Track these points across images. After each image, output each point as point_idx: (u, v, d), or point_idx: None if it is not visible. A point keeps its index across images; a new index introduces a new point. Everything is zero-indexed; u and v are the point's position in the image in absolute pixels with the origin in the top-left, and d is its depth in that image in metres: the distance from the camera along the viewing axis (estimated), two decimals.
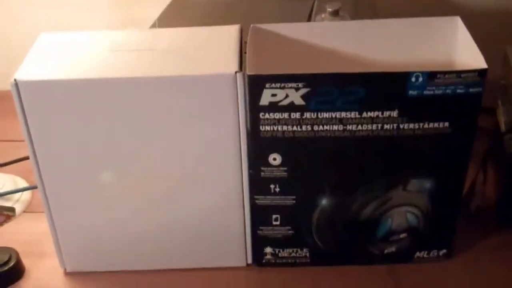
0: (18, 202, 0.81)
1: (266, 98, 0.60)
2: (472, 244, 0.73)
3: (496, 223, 0.75)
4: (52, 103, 0.60)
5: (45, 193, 0.66)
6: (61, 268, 0.72)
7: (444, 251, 0.70)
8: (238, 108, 0.61)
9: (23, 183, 0.85)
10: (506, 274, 0.69)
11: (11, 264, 0.70)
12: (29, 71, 0.61)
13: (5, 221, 0.68)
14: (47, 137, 0.62)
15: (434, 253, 0.70)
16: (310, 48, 0.65)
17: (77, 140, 0.62)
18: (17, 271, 0.71)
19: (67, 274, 0.72)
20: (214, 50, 0.63)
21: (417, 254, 0.70)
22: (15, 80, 0.59)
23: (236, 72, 0.59)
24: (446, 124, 0.61)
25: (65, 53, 0.64)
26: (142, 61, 0.62)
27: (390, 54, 0.66)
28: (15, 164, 0.88)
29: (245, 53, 0.62)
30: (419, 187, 0.65)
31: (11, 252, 0.71)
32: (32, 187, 0.79)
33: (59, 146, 0.62)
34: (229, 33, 0.66)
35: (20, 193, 0.82)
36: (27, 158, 0.87)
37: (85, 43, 0.65)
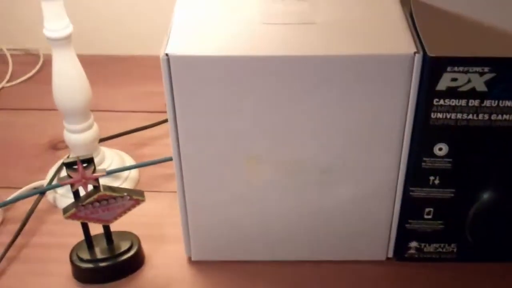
0: (126, 180, 0.76)
1: (444, 82, 0.53)
2: None
3: None
4: (202, 79, 0.54)
5: (181, 171, 0.60)
6: (185, 255, 0.67)
7: None
8: (409, 92, 0.54)
9: (129, 160, 0.79)
10: None
11: (133, 251, 0.65)
12: (179, 44, 0.54)
13: (133, 206, 0.63)
14: (192, 113, 0.56)
15: None
16: (487, 27, 0.58)
17: (223, 119, 0.56)
18: (138, 259, 0.67)
19: (192, 262, 0.67)
20: (380, 25, 0.56)
21: None
22: (166, 54, 0.53)
23: (415, 53, 0.52)
24: None
25: (213, 24, 0.57)
26: (299, 35, 0.55)
27: None
28: (115, 139, 0.83)
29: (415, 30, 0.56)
30: None
31: (132, 238, 0.66)
32: (165, 159, 0.73)
33: (203, 124, 0.57)
34: (390, 6, 0.59)
35: (128, 171, 0.76)
36: (133, 131, 0.84)
37: (231, 13, 0.59)
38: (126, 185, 0.75)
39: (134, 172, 0.77)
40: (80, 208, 0.61)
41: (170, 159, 0.60)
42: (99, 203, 0.61)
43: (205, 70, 0.54)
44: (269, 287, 0.64)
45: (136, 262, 0.66)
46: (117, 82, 0.96)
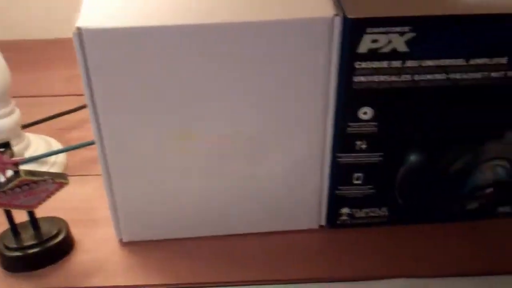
0: (54, 165, 0.73)
1: (365, 44, 0.53)
2: None
3: None
4: (119, 52, 0.52)
5: (104, 153, 0.58)
6: (116, 238, 0.66)
7: None
8: (331, 56, 0.54)
9: (56, 144, 0.76)
10: None
11: (61, 237, 0.63)
12: (92, 17, 0.52)
13: (56, 190, 0.60)
14: (110, 90, 0.54)
15: None
16: None
17: (144, 94, 0.55)
18: (67, 244, 0.64)
19: (123, 244, 0.65)
20: None
21: (500, 209, 0.67)
22: (78, 28, 0.51)
23: (334, 16, 0.52)
24: None
25: None
26: (216, 3, 0.54)
27: None
28: (40, 124, 0.80)
29: None
30: None
31: (60, 223, 0.64)
32: (89, 143, 0.70)
33: (124, 100, 0.55)
34: None
35: (55, 156, 0.74)
36: (57, 116, 0.81)
37: None
38: (54, 170, 0.73)
39: (61, 157, 0.75)
40: (0, 195, 0.58)
41: (92, 143, 0.58)
42: (20, 188, 0.59)
43: (120, 43, 0.52)
44: (205, 263, 0.63)
45: (65, 247, 0.64)
46: (45, 67, 0.94)
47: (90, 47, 0.51)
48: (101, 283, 0.62)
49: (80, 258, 0.64)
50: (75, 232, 0.66)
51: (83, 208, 0.69)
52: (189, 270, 0.63)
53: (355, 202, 0.64)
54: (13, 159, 0.57)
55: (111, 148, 0.58)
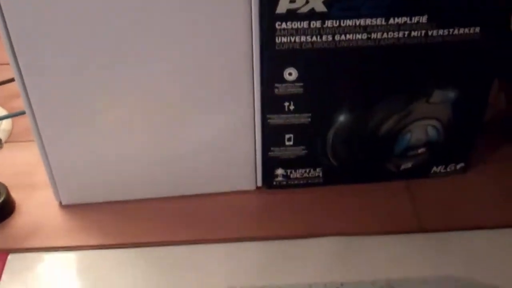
0: None
1: (283, 5, 0.53)
2: (488, 156, 0.71)
3: (510, 133, 0.73)
4: (37, 6, 0.52)
5: (34, 118, 0.59)
6: (55, 201, 0.67)
7: (462, 164, 0.68)
8: (251, 18, 0.54)
9: (2, 112, 0.77)
10: None
11: (0, 200, 0.64)
12: None
13: None
14: (33, 52, 0.54)
15: (451, 167, 0.68)
16: None
17: (67, 56, 0.55)
18: (7, 208, 0.65)
19: (63, 207, 0.67)
20: None
21: (434, 168, 0.68)
22: None
23: None
24: (477, 29, 0.56)
25: None
26: None
27: None
28: None
29: None
30: (442, 99, 0.61)
31: (0, 188, 0.65)
32: (19, 113, 0.71)
33: (48, 63, 0.55)
34: None
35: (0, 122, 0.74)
36: (2, 83, 0.81)
37: None
38: None
39: (6, 124, 0.75)
40: None
41: (23, 112, 0.59)
42: None
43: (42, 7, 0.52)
44: (144, 224, 0.65)
45: (5, 211, 0.65)
46: None
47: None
48: (40, 245, 0.63)
49: (20, 221, 0.65)
50: (16, 196, 0.67)
51: (24, 173, 0.70)
52: (129, 231, 0.64)
53: (289, 163, 0.65)
54: None
55: (40, 111, 0.58)
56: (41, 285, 0.59)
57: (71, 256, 0.62)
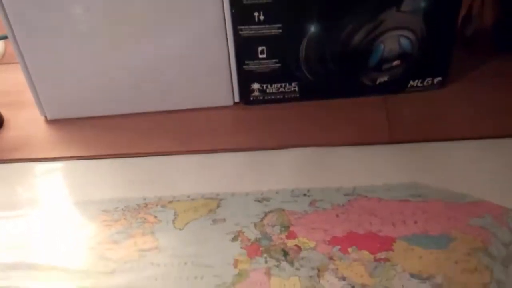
0: None
1: None
2: (467, 71, 0.70)
3: (492, 49, 0.72)
4: None
5: (15, 39, 0.61)
6: (41, 116, 0.70)
7: (439, 78, 0.67)
8: None
9: None
10: (500, 100, 0.67)
11: None
12: None
13: None
14: None
15: (428, 81, 0.68)
16: None
17: None
18: None
19: (48, 121, 0.69)
20: None
21: (411, 82, 0.68)
22: None
23: None
24: None
25: None
26: None
27: None
28: None
29: None
30: (413, 7, 0.61)
31: None
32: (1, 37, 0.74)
33: None
34: None
35: None
36: None
37: None
38: None
39: None
40: None
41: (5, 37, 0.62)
42: None
43: None
44: (120, 137, 0.67)
45: None
46: None
47: None
48: (26, 156, 0.66)
49: (8, 134, 0.68)
50: (5, 113, 0.70)
51: (14, 92, 0.73)
52: (109, 143, 0.66)
53: (264, 77, 0.66)
54: None
55: (21, 35, 0.61)
56: (29, 191, 0.62)
57: (55, 166, 0.65)
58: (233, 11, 0.60)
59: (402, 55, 0.65)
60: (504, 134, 0.63)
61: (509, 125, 0.63)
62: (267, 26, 0.61)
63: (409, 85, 0.68)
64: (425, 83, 0.68)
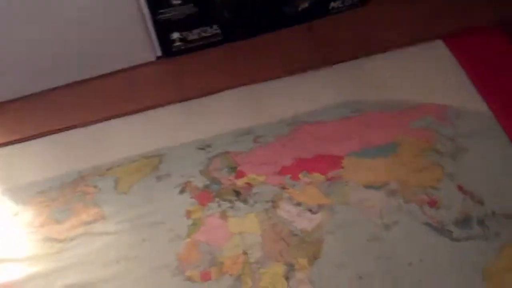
0: None
1: None
2: None
3: None
4: None
5: None
6: None
7: None
8: None
9: None
10: (422, 14, 0.66)
11: None
12: None
13: None
14: None
15: (348, 0, 0.67)
16: None
17: None
18: None
19: None
20: None
21: (332, 4, 0.66)
22: None
23: None
24: None
25: None
26: None
27: None
28: None
29: None
30: None
31: None
32: None
33: None
34: None
35: None
36: None
37: None
38: None
39: None
40: None
41: None
42: None
43: None
44: (46, 115, 0.63)
45: None
46: None
47: None
48: None
49: None
50: None
51: None
52: (35, 123, 0.62)
53: (183, 24, 0.63)
54: None
55: None
56: None
57: None
58: None
59: None
60: (422, 39, 0.62)
61: (425, 31, 0.63)
62: None
63: (330, 7, 0.67)
64: (345, 2, 0.67)
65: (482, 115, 0.56)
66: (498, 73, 0.59)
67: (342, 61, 0.63)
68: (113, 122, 0.61)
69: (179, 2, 0.62)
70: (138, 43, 0.64)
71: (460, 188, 0.51)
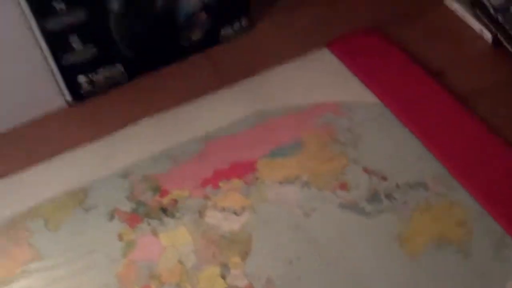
0: None
1: None
2: (274, 8, 0.76)
3: None
4: None
5: None
6: None
7: (245, 20, 0.73)
8: None
9: None
10: (304, 28, 0.74)
11: None
12: None
13: None
14: None
15: (237, 25, 0.73)
16: None
17: None
18: None
19: None
20: None
21: (222, 32, 0.72)
22: None
23: None
24: None
25: None
26: None
27: None
28: None
29: None
30: None
31: None
32: None
33: None
34: None
35: None
36: None
37: None
38: None
39: None
40: None
41: None
42: None
43: None
44: None
45: None
46: None
47: None
48: None
49: None
50: None
51: None
52: None
53: (87, 67, 0.66)
54: None
55: None
56: None
57: None
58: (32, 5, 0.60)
59: (206, 7, 0.69)
60: (308, 49, 0.70)
61: (310, 42, 0.71)
62: (70, 13, 0.62)
63: (222, 34, 0.72)
64: (234, 28, 0.72)
65: (372, 105, 0.63)
66: (380, 69, 0.67)
67: (239, 80, 0.68)
68: (33, 169, 0.63)
69: (79, 44, 0.64)
70: (47, 90, 0.66)
71: (365, 169, 0.57)
